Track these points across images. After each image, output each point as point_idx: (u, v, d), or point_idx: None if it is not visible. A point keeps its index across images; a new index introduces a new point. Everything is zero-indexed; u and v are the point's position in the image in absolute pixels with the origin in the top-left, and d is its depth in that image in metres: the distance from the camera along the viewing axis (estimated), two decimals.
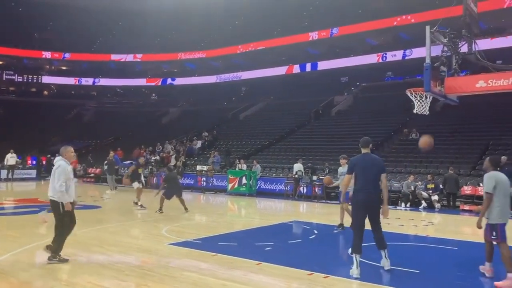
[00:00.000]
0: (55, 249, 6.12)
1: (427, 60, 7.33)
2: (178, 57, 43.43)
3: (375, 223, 6.09)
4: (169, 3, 39.57)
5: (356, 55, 33.61)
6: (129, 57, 44.87)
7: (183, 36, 43.87)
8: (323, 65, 34.66)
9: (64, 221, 6.19)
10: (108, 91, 48.82)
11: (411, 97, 8.83)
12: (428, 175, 16.29)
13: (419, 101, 8.63)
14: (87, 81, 45.77)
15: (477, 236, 6.33)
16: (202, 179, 21.32)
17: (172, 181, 12.48)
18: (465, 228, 11.46)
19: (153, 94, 48.59)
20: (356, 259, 5.84)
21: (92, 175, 26.90)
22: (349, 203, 9.01)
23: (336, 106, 31.43)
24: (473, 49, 7.74)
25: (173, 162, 24.45)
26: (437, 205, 15.20)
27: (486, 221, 5.97)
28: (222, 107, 38.30)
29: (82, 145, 35.19)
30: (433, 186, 15.58)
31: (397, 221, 11.66)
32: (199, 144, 28.56)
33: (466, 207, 14.97)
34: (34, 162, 29.76)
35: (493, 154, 18.41)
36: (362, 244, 5.95)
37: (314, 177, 18.26)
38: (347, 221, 7.93)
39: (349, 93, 33.84)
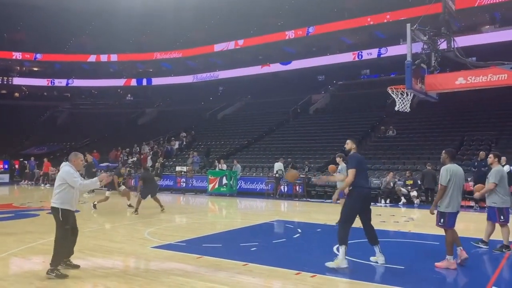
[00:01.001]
0: (54, 262, 5.67)
1: (408, 58, 7.40)
2: (154, 57, 42.92)
3: (369, 219, 6.25)
4: (142, 2, 39.01)
5: (333, 53, 33.94)
6: (104, 57, 44.05)
7: (158, 35, 43.38)
8: (299, 63, 34.79)
9: (65, 230, 5.77)
10: (83, 92, 47.80)
11: (392, 94, 8.91)
12: (407, 172, 16.54)
13: (400, 98, 8.72)
14: (60, 82, 44.67)
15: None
16: (182, 180, 21.10)
17: (149, 181, 12.46)
18: None
19: (129, 95, 47.84)
20: (343, 250, 5.96)
21: None
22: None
23: (314, 105, 31.62)
24: (452, 47, 7.86)
25: (149, 163, 24.12)
26: (416, 201, 15.45)
27: (437, 209, 6.40)
28: (199, 107, 38.01)
29: (57, 148, 34.33)
30: (411, 182, 15.83)
31: (378, 217, 11.76)
32: (177, 144, 28.28)
33: None
34: (6, 167, 28.92)
35: (468, 150, 18.87)
36: (349, 241, 6.01)
37: None
38: None
39: (327, 91, 34.10)
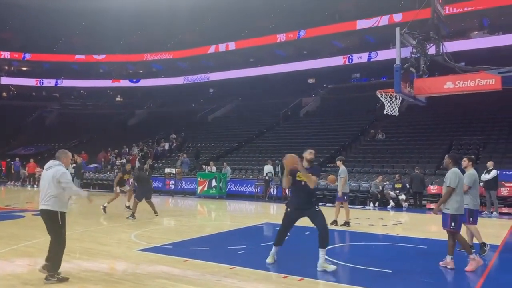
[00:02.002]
0: (52, 267, 5.49)
1: (397, 62, 7.42)
2: (145, 58, 42.69)
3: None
4: (133, 2, 38.81)
5: (323, 57, 34.07)
6: (93, 58, 43.70)
7: (149, 36, 43.20)
8: (290, 66, 34.83)
9: (62, 233, 5.58)
10: (72, 92, 47.40)
11: (381, 98, 8.94)
12: (396, 175, 16.61)
13: (389, 102, 8.76)
14: (49, 82, 44.21)
15: (444, 234, 6.47)
16: (171, 182, 20.96)
17: (144, 181, 12.22)
18: (432, 227, 11.71)
19: (119, 96, 47.55)
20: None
21: None
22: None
23: (304, 108, 31.69)
24: (441, 51, 7.91)
25: (137, 164, 23.93)
26: (405, 204, 15.52)
27: (446, 212, 6.37)
28: (189, 109, 37.88)
29: (45, 148, 33.93)
30: (400, 186, 15.91)
31: (367, 221, 11.82)
32: (166, 146, 28.13)
33: (432, 206, 15.33)
34: None
35: (456, 154, 19.00)
36: (337, 245, 5.97)
37: None
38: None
39: (317, 95, 34.20)
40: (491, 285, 5.92)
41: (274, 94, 34.75)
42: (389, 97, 8.72)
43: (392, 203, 15.68)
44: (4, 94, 46.24)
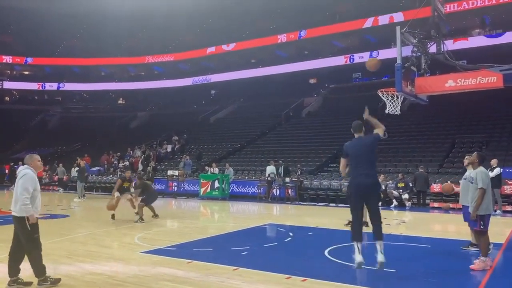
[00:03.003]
0: (38, 273, 5.40)
1: (398, 61, 7.41)
2: (146, 60, 42.76)
3: (372, 212, 5.79)
4: (133, 5, 38.87)
5: (325, 57, 34.00)
6: (95, 61, 43.80)
7: (150, 39, 43.25)
8: (292, 67, 34.81)
9: (35, 238, 5.42)
10: (74, 96, 47.52)
11: (382, 97, 8.93)
12: (399, 174, 16.57)
13: (390, 101, 8.74)
14: (52, 86, 44.32)
15: (448, 233, 6.45)
16: (173, 184, 20.98)
17: (149, 188, 12.29)
18: (436, 225, 11.69)
19: (121, 98, 47.63)
20: (357, 246, 5.63)
21: (56, 183, 25.96)
22: None
23: (306, 108, 31.67)
24: (442, 49, 7.89)
25: (140, 167, 24.01)
26: (408, 204, 15.47)
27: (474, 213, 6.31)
28: (191, 111, 37.92)
29: (48, 152, 34.00)
30: (403, 185, 15.85)
31: None
32: (169, 148, 28.16)
33: (436, 205, 15.31)
34: None
35: (459, 152, 18.96)
36: (340, 245, 5.95)
37: (287, 179, 18.26)
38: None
39: (319, 95, 34.17)
40: (496, 283, 5.89)
41: (275, 95, 34.74)
42: (391, 96, 8.72)
43: (395, 202, 15.64)
44: (7, 98, 46.35)
